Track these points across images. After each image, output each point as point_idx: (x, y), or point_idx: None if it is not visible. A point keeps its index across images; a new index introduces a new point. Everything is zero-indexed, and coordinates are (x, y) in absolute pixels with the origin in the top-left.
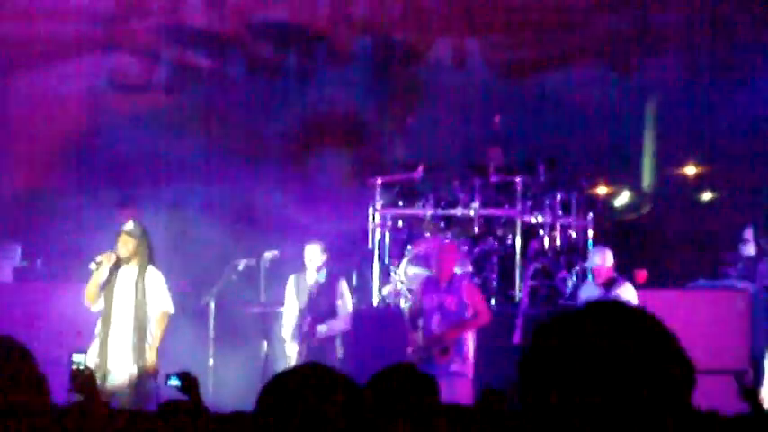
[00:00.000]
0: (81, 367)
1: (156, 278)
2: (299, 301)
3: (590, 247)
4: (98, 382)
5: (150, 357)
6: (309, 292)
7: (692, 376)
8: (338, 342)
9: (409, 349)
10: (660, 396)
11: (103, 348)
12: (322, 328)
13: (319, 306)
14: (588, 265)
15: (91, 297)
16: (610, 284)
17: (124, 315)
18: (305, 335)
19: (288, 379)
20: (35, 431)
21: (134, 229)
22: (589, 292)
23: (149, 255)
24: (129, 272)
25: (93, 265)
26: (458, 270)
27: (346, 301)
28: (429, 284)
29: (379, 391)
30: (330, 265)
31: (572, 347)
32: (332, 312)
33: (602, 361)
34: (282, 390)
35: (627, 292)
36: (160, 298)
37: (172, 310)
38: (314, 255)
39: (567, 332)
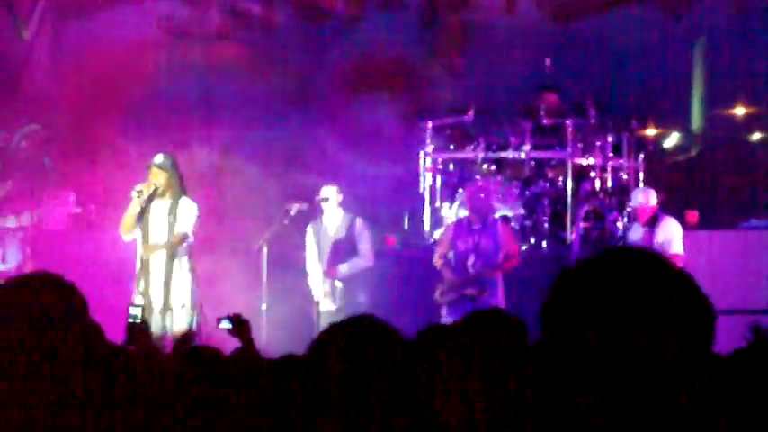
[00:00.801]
0: (137, 320)
1: (189, 208)
2: (322, 246)
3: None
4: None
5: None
6: (327, 236)
7: (712, 322)
8: (362, 284)
9: (437, 292)
10: (681, 342)
11: (146, 282)
12: (343, 268)
13: (340, 247)
14: (632, 205)
15: (127, 227)
16: (653, 222)
17: (161, 245)
18: (325, 275)
19: (341, 331)
20: (88, 376)
21: (164, 161)
22: (636, 232)
23: (181, 186)
24: (162, 203)
25: (134, 193)
26: (508, 212)
27: (365, 239)
28: (461, 227)
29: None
30: (346, 206)
31: (592, 294)
32: (353, 251)
33: (622, 307)
34: (335, 341)
35: (671, 227)
36: (185, 223)
37: (191, 237)
38: (330, 197)
39: (587, 279)
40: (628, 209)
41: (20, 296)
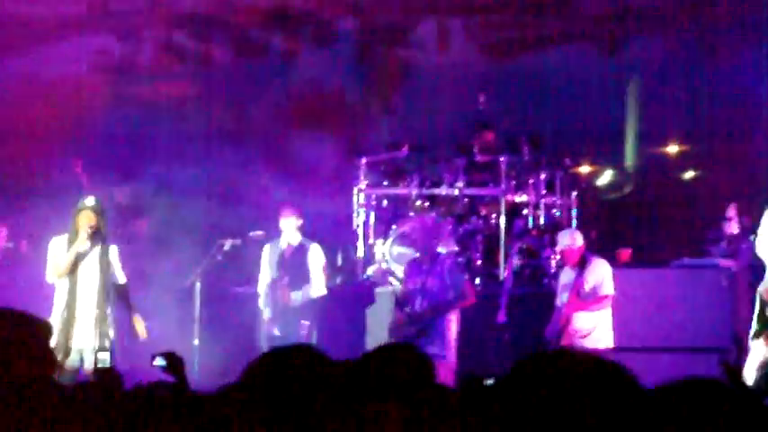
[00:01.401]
0: (106, 366)
1: (115, 253)
2: (273, 268)
3: (573, 226)
4: (60, 357)
5: (111, 329)
6: (283, 256)
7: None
8: (309, 316)
9: (388, 330)
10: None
11: (70, 323)
12: (296, 296)
13: (293, 271)
14: (558, 248)
15: (63, 270)
16: (582, 264)
17: (89, 287)
18: (277, 300)
19: (276, 357)
20: (43, 405)
21: (96, 204)
22: (566, 275)
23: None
24: (93, 247)
25: (84, 233)
26: (442, 250)
27: (319, 266)
28: (413, 266)
29: (374, 369)
30: (304, 231)
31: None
32: (305, 278)
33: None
34: (270, 367)
35: (600, 269)
36: (119, 271)
37: (125, 280)
38: (289, 220)
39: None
40: (555, 252)
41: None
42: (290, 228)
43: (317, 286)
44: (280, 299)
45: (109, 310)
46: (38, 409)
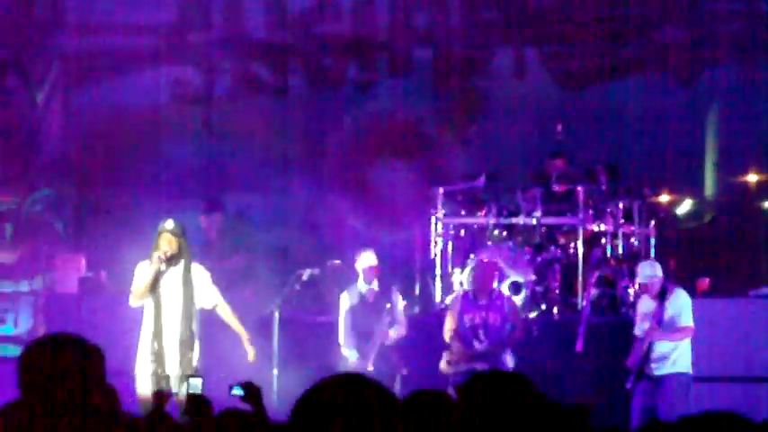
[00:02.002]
0: (198, 392)
1: (203, 274)
2: (358, 312)
3: (652, 256)
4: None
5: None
6: (368, 301)
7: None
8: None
9: (444, 362)
10: None
11: (155, 343)
12: (393, 333)
13: (375, 314)
14: (639, 280)
15: (142, 292)
16: (663, 295)
17: (174, 311)
18: (374, 341)
19: (325, 389)
20: None
21: (175, 227)
22: (646, 304)
23: (190, 252)
24: (174, 270)
25: (156, 257)
26: (514, 278)
27: (400, 307)
28: (467, 300)
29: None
30: (382, 273)
31: None
32: (387, 318)
33: None
34: (318, 400)
35: (680, 300)
36: (213, 293)
37: (221, 301)
38: (368, 261)
39: None
40: (636, 283)
41: (46, 357)
42: (368, 272)
43: (402, 326)
44: (377, 338)
45: (193, 336)
46: None
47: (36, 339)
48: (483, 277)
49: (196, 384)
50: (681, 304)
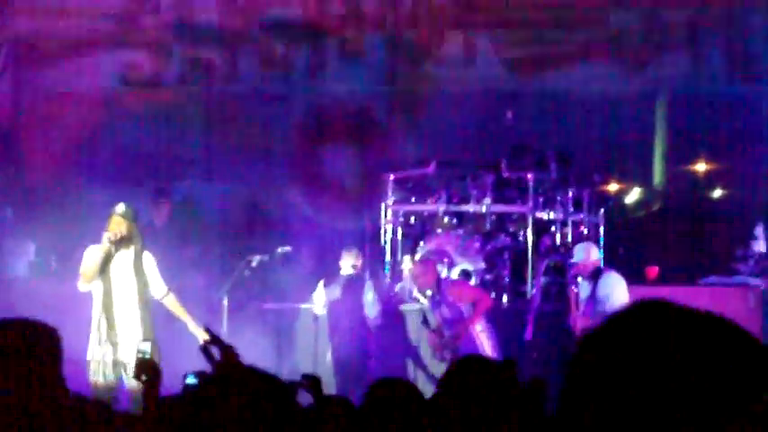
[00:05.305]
0: (146, 356)
1: (151, 261)
2: (330, 300)
3: (601, 244)
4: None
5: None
6: (341, 292)
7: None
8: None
9: (430, 350)
10: (733, 403)
11: (105, 330)
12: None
13: (349, 303)
14: (573, 261)
15: (91, 275)
16: (596, 276)
17: (127, 296)
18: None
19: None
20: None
21: (126, 211)
22: (584, 289)
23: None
24: (124, 254)
25: (107, 238)
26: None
27: (375, 301)
28: (432, 301)
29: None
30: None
31: (624, 360)
32: (360, 311)
33: (659, 371)
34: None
35: (610, 281)
36: (158, 282)
37: (165, 291)
38: (349, 261)
39: (616, 343)
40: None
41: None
42: (349, 266)
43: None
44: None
45: (147, 320)
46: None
47: None
48: (419, 281)
49: (145, 349)
50: (611, 286)
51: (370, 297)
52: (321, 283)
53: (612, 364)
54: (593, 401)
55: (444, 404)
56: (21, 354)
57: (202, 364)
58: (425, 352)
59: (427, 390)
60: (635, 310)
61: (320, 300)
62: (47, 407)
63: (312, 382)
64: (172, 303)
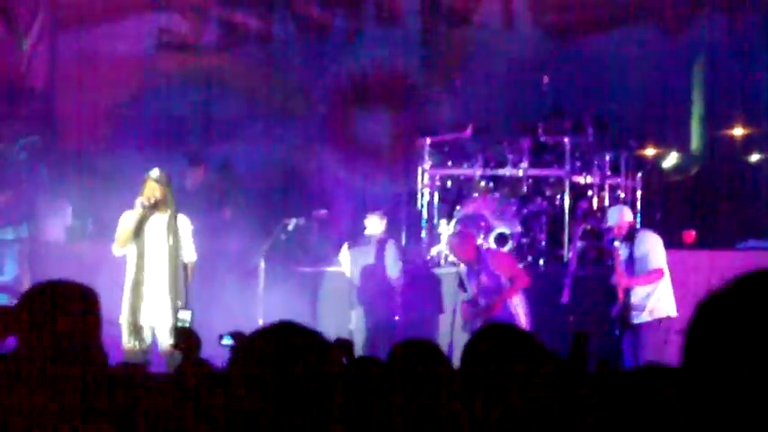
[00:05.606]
0: (186, 325)
1: (186, 225)
2: (354, 267)
3: (638, 208)
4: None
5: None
6: (365, 254)
7: None
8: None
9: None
10: None
11: (138, 298)
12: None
13: (373, 265)
14: (608, 224)
15: (125, 240)
16: (631, 237)
17: (160, 260)
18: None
19: (262, 338)
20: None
21: (161, 176)
22: (622, 251)
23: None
24: (158, 218)
25: (139, 203)
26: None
27: (396, 261)
28: (470, 270)
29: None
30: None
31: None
32: (384, 272)
33: None
34: (255, 349)
35: (647, 241)
36: (189, 247)
37: (195, 258)
38: (374, 223)
39: (737, 306)
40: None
41: (47, 302)
42: (375, 230)
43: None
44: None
45: (181, 285)
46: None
47: (35, 285)
48: (459, 253)
49: (185, 318)
50: (648, 246)
51: (391, 257)
52: (345, 245)
53: (737, 325)
54: (719, 359)
55: (468, 369)
56: (62, 314)
57: (233, 326)
58: (458, 320)
59: (454, 357)
60: (757, 275)
61: (345, 262)
62: (87, 368)
63: (345, 344)
64: (191, 271)
